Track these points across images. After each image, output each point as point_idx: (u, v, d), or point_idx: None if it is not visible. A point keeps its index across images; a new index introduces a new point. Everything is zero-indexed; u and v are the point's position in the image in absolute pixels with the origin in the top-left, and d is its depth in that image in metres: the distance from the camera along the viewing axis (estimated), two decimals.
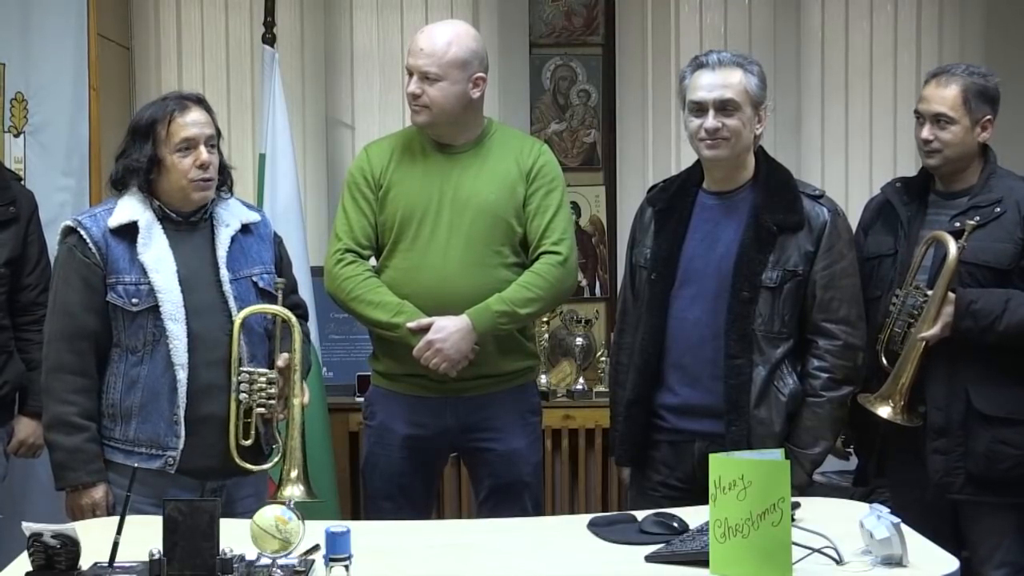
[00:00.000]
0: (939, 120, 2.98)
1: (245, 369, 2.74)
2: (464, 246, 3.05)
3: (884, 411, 2.92)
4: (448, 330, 2.99)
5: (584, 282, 4.63)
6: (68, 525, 2.08)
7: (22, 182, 3.47)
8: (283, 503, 2.54)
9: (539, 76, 4.65)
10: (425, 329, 3.00)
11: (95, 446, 2.73)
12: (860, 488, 3.39)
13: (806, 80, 4.71)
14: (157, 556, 2.02)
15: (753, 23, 4.70)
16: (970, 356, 2.92)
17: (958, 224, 2.94)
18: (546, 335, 4.49)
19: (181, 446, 2.71)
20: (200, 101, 2.83)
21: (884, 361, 2.98)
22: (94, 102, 3.79)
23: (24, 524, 2.05)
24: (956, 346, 2.91)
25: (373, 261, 3.17)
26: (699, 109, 2.87)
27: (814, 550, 2.15)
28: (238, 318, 2.74)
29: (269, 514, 2.11)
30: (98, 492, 2.73)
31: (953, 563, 2.18)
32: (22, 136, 3.77)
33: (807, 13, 4.71)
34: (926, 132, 3.00)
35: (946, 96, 2.98)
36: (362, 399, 3.42)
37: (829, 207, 2.90)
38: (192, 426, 2.72)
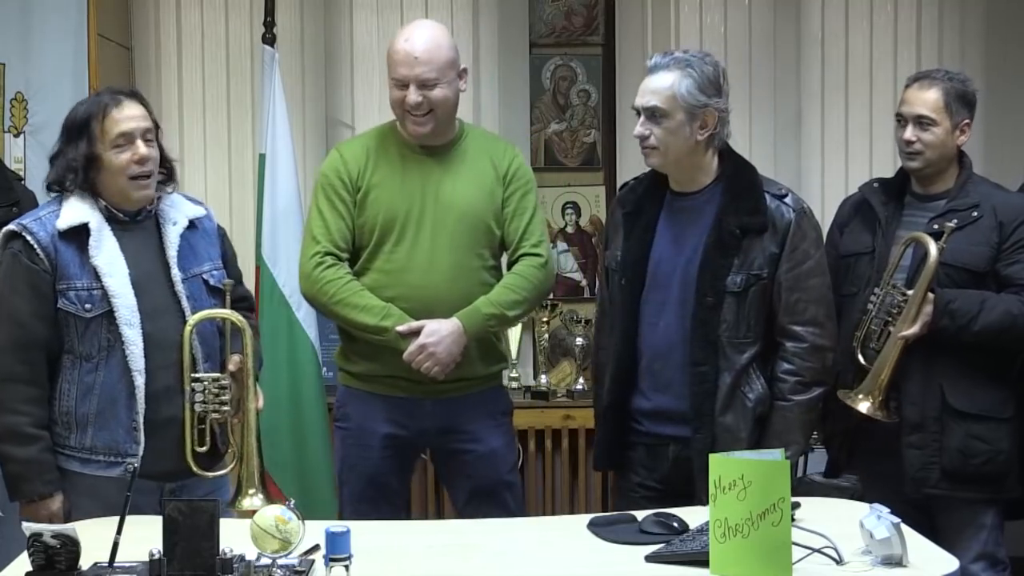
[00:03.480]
0: (921, 122, 3.05)
1: (196, 376, 2.68)
2: (450, 249, 3.05)
3: (864, 406, 2.97)
4: (441, 333, 2.99)
5: (584, 282, 4.63)
6: (68, 525, 2.08)
7: (22, 182, 3.47)
8: (245, 512, 2.51)
9: (539, 76, 4.65)
10: (415, 333, 3.00)
11: (50, 456, 2.64)
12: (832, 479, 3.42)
13: (806, 80, 4.70)
14: (157, 556, 2.02)
15: (753, 23, 4.69)
16: (945, 354, 2.99)
17: (936, 226, 3.01)
18: (546, 335, 4.50)
19: (141, 452, 2.64)
20: (134, 95, 2.74)
21: (861, 358, 3.03)
22: None
23: (24, 524, 2.05)
24: (932, 344, 2.97)
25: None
26: (636, 114, 2.87)
27: (814, 550, 2.15)
28: (188, 324, 2.67)
29: (269, 514, 2.10)
30: (55, 503, 2.64)
31: (953, 563, 2.19)
32: (22, 136, 3.78)
33: (807, 14, 4.70)
34: (909, 134, 3.07)
35: (928, 99, 3.05)
36: None
37: (795, 207, 2.84)
38: (151, 430, 2.66)
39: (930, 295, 2.95)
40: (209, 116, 4.65)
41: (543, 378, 4.48)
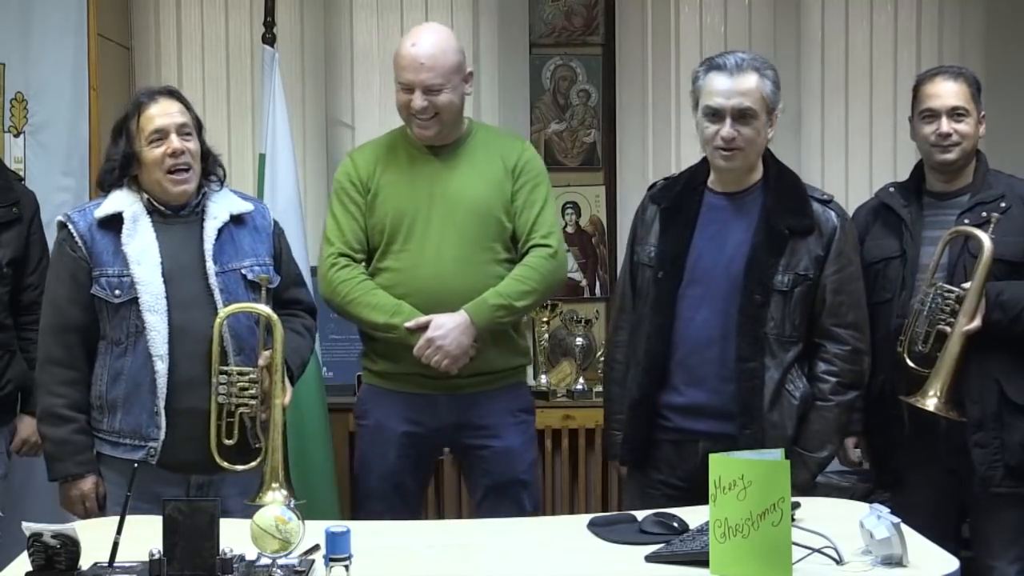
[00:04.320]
0: (956, 113, 3.05)
1: (225, 368, 2.72)
2: (457, 244, 3.07)
3: (931, 403, 2.92)
4: (447, 326, 2.99)
5: (584, 282, 4.63)
6: (68, 525, 2.08)
7: (23, 182, 3.47)
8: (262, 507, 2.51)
9: (539, 76, 4.65)
10: (424, 328, 3.00)
11: (83, 438, 2.77)
12: (865, 486, 3.41)
13: (806, 80, 4.70)
14: (157, 556, 2.02)
15: (753, 23, 4.70)
16: (999, 348, 2.97)
17: (967, 221, 2.99)
18: (546, 335, 4.49)
19: (162, 438, 2.72)
20: (171, 93, 2.84)
21: (909, 361, 2.98)
22: (94, 102, 3.80)
23: (24, 524, 2.05)
24: (985, 339, 2.94)
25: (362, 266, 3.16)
26: (715, 115, 2.83)
27: (814, 550, 2.15)
28: (219, 317, 2.71)
29: (269, 514, 2.11)
30: (86, 484, 2.76)
31: (953, 563, 2.18)
32: (22, 136, 3.77)
33: (807, 13, 4.71)
34: (945, 127, 3.04)
35: (958, 90, 3.06)
36: None
37: (838, 212, 2.91)
38: (174, 419, 2.72)
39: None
40: (209, 116, 4.62)
41: (543, 378, 4.47)
